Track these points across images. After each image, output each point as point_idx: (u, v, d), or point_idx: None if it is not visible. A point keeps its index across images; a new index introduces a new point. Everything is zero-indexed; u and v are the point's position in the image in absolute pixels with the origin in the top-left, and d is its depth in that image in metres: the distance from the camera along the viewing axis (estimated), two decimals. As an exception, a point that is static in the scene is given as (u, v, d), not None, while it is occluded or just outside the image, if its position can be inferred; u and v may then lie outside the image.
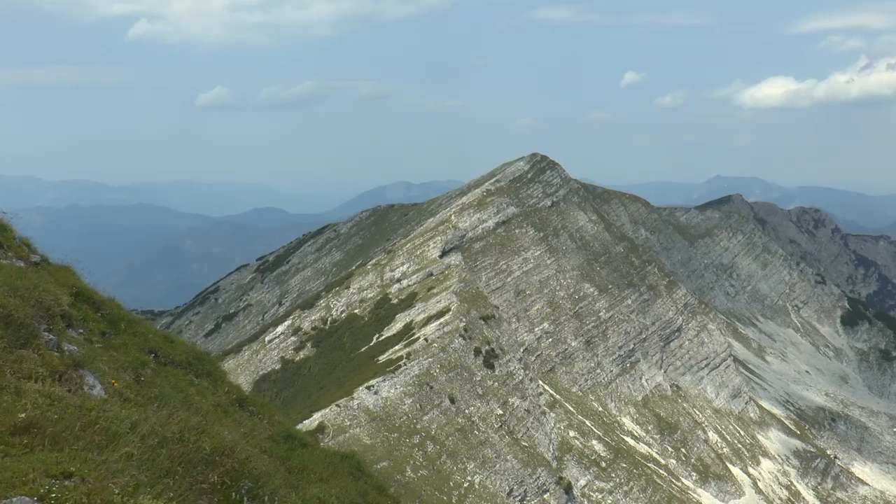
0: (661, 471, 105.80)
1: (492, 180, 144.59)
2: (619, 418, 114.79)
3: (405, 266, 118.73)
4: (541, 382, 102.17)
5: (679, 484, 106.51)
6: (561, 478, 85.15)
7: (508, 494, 75.30)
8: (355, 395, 75.33)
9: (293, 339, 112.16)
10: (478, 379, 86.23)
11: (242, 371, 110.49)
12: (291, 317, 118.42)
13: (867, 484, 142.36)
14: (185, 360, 17.04)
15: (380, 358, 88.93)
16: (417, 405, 76.96)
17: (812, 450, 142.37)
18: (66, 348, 12.53)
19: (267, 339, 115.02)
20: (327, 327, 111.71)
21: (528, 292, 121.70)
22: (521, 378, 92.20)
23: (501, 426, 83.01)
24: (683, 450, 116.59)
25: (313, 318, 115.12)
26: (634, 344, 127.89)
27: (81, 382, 11.56)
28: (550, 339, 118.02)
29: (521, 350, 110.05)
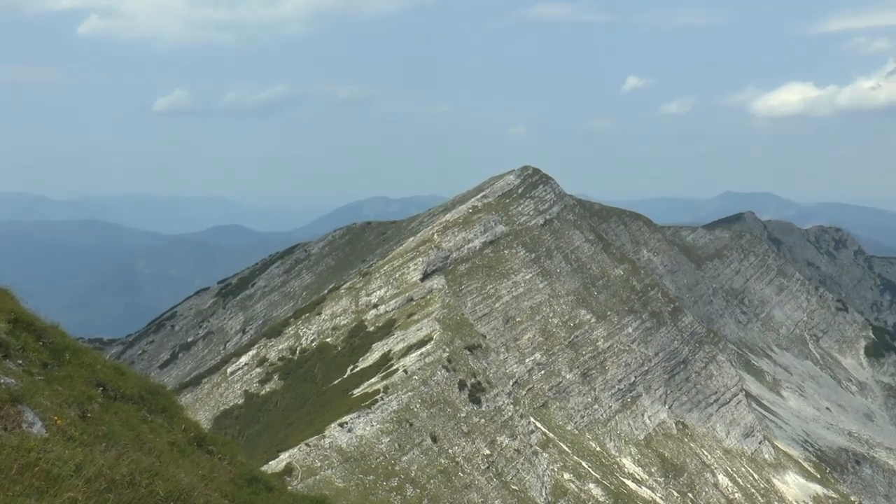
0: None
1: (479, 196, 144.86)
2: (618, 459, 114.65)
3: (383, 290, 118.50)
4: (532, 419, 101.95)
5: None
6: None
7: (497, 544, 75.00)
8: (327, 432, 74.99)
9: (258, 370, 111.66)
10: (463, 415, 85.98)
11: (202, 406, 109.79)
12: (256, 346, 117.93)
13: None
14: (137, 394, 16.93)
15: (354, 392, 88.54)
16: (396, 444, 76.65)
17: (834, 496, 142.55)
18: (2, 381, 12.43)
19: (229, 370, 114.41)
20: (296, 358, 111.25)
21: (518, 319, 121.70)
22: (510, 414, 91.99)
23: (489, 468, 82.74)
24: (690, 495, 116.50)
25: (281, 347, 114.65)
26: (636, 377, 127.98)
27: (19, 419, 11.46)
28: (543, 372, 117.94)
29: (511, 383, 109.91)
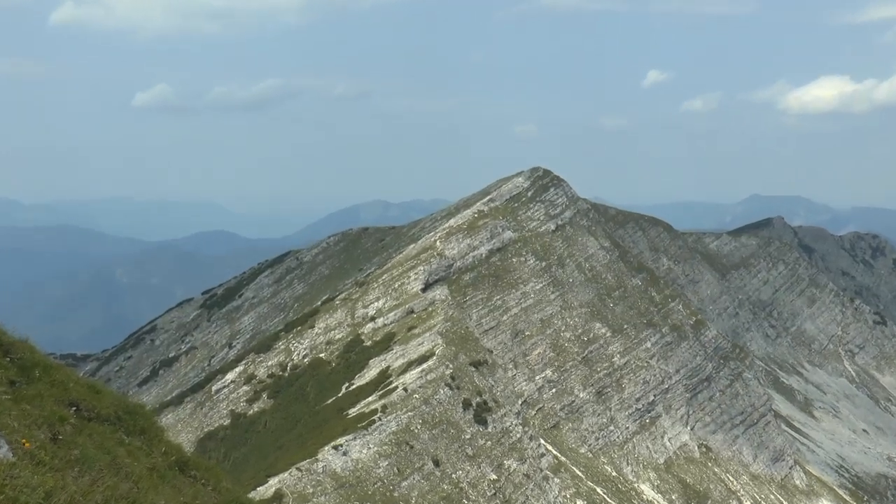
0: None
1: (485, 199, 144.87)
2: (636, 485, 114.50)
3: (381, 301, 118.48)
4: (543, 441, 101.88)
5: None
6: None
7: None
8: (320, 456, 74.94)
9: (246, 388, 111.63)
10: (467, 437, 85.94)
11: (184, 427, 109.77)
12: (244, 362, 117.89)
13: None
14: (113, 415, 16.93)
15: (350, 411, 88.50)
16: (395, 469, 76.60)
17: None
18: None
19: (214, 388, 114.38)
20: (287, 374, 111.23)
21: (527, 333, 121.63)
22: (519, 436, 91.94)
23: (495, 494, 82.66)
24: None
25: (270, 363, 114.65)
26: (655, 395, 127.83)
27: (-14, 442, 11.45)
28: (554, 390, 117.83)
29: (520, 402, 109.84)
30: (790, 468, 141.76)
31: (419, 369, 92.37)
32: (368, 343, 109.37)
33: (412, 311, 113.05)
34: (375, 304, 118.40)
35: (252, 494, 63.61)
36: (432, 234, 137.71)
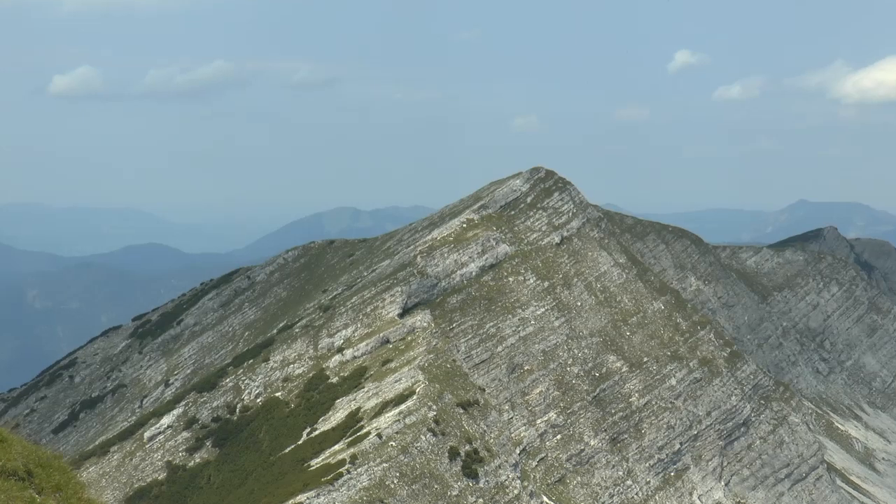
0: None
1: (475, 206, 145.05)
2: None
3: (350, 329, 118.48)
4: (545, 499, 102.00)
5: None
6: None
7: None
8: (274, 518, 74.93)
9: (185, 434, 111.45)
10: (454, 493, 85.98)
11: (110, 483, 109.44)
12: (183, 403, 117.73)
13: None
14: (22, 469, 17.06)
15: (312, 463, 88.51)
16: (365, 534, 76.61)
17: None
18: None
19: (147, 435, 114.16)
20: (236, 418, 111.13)
21: (526, 367, 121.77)
22: (517, 492, 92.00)
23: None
24: None
25: (215, 404, 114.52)
26: (682, 443, 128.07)
27: None
28: (560, 436, 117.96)
29: (518, 451, 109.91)
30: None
31: (396, 411, 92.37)
32: (335, 380, 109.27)
33: (387, 342, 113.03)
34: (343, 332, 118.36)
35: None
36: (412, 247, 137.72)
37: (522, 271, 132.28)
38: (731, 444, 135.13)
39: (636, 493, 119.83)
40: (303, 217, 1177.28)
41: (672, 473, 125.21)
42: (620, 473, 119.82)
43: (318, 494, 78.66)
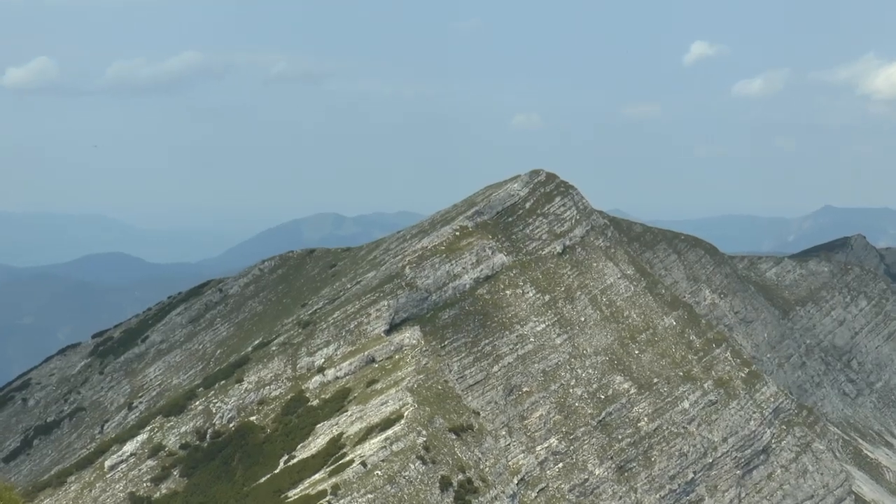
0: None
1: (470, 212, 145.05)
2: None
3: (331, 347, 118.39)
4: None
5: None
6: None
7: None
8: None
9: (150, 463, 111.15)
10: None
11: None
12: (148, 428, 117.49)
13: None
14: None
15: (290, 494, 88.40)
16: (349, 571, 76.51)
17: None
18: None
19: (108, 463, 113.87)
20: (206, 444, 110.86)
21: (525, 389, 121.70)
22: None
23: None
24: None
25: (184, 429, 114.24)
26: (695, 472, 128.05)
27: None
28: (561, 464, 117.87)
29: (516, 481, 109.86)
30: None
31: (382, 437, 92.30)
32: (315, 402, 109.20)
33: (373, 361, 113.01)
34: (324, 350, 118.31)
35: None
36: (400, 257, 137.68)
37: (521, 284, 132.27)
38: (749, 474, 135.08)
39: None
40: (280, 224, 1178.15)
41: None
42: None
43: (297, 528, 78.55)
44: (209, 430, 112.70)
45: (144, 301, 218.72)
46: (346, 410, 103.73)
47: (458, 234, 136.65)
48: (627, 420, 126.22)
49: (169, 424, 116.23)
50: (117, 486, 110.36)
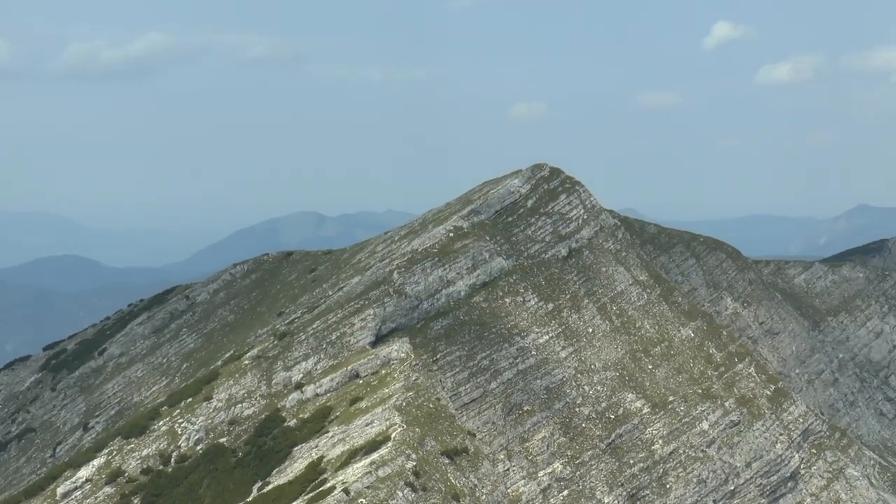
0: None
1: (465, 211, 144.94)
2: None
3: (311, 361, 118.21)
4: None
5: None
6: None
7: None
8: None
9: (108, 490, 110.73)
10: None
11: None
12: (106, 451, 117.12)
13: None
14: None
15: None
16: None
17: None
18: None
19: (60, 490, 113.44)
20: (171, 469, 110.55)
21: (526, 408, 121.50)
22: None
23: None
24: None
25: (146, 452, 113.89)
26: (715, 501, 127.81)
27: None
28: (566, 492, 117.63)
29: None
30: None
31: (367, 461, 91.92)
32: (292, 422, 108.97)
33: (357, 376, 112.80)
34: (303, 364, 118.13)
35: None
36: (387, 261, 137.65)
37: (522, 291, 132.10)
38: (776, 502, 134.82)
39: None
40: (254, 224, 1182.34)
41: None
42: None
43: (272, 563, 78.07)
44: (174, 454, 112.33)
45: (102, 309, 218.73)
46: (327, 431, 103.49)
47: (451, 235, 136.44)
48: (640, 443, 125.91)
49: (129, 447, 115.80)
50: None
